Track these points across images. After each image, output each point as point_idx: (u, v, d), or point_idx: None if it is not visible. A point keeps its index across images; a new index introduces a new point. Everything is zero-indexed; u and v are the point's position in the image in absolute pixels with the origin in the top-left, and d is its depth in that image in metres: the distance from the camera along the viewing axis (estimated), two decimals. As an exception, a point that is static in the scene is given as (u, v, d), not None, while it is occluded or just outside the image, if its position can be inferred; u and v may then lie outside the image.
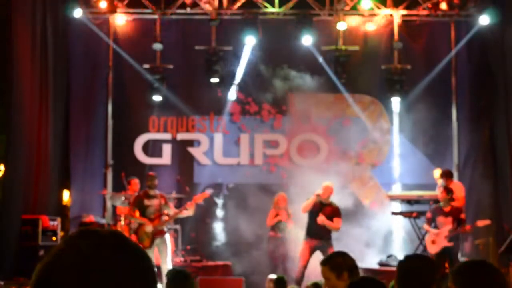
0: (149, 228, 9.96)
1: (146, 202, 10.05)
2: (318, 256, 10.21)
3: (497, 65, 12.26)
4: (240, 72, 12.91)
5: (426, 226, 10.25)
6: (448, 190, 10.21)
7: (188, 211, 10.12)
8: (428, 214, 10.26)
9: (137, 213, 10.10)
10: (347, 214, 12.05)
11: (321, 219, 10.06)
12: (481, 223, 10.28)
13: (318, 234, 10.11)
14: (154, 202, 10.06)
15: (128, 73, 13.10)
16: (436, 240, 10.02)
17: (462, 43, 12.90)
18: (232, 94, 12.98)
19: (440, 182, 11.23)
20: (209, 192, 10.96)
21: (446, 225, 10.00)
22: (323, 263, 4.29)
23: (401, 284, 3.60)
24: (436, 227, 10.09)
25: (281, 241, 10.84)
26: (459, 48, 12.95)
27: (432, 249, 10.05)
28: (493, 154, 12.49)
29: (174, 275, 5.05)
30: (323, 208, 10.20)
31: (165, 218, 10.10)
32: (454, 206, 10.21)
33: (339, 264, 4.18)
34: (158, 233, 9.96)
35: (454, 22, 13.06)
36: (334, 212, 10.26)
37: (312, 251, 10.11)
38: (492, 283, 2.82)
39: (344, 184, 12.64)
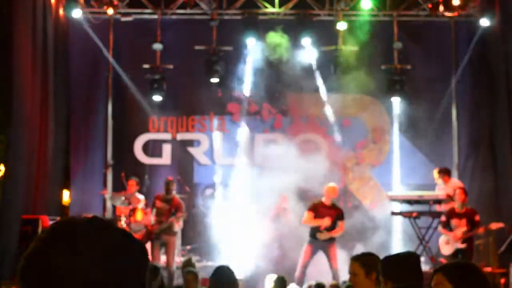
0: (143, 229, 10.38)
1: (158, 204, 10.60)
2: (318, 256, 10.25)
3: (497, 65, 12.24)
4: (240, 72, 12.91)
5: (443, 230, 10.21)
6: (466, 192, 10.21)
7: (175, 226, 10.51)
8: (443, 218, 10.24)
9: (154, 212, 10.57)
10: (346, 213, 12.06)
11: (323, 236, 10.05)
12: (495, 225, 10.23)
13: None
14: (165, 206, 10.43)
15: (128, 73, 13.10)
16: (450, 241, 10.04)
17: (462, 43, 12.90)
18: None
19: (440, 181, 11.24)
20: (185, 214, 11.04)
21: (460, 227, 10.00)
22: (355, 259, 4.22)
23: (388, 281, 3.61)
24: (451, 229, 10.09)
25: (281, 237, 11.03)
26: (459, 48, 12.94)
27: (446, 250, 10.08)
28: (493, 154, 12.48)
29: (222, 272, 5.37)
30: (323, 209, 10.18)
31: (160, 225, 10.37)
32: (469, 208, 10.21)
33: (371, 262, 4.10)
34: (151, 235, 10.18)
35: (454, 22, 13.05)
36: (337, 216, 10.27)
37: (314, 252, 10.12)
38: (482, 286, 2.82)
39: (345, 184, 12.66)
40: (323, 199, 10.33)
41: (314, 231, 10.15)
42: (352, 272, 4.15)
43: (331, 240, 10.19)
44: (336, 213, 10.25)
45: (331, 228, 10.16)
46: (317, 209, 10.24)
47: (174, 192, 10.84)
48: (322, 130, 13.12)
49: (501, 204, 12.08)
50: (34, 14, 11.25)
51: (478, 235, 10.57)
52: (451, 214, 10.16)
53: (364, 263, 4.10)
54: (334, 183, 10.52)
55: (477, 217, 10.15)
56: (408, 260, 3.81)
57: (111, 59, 13.05)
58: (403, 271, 3.67)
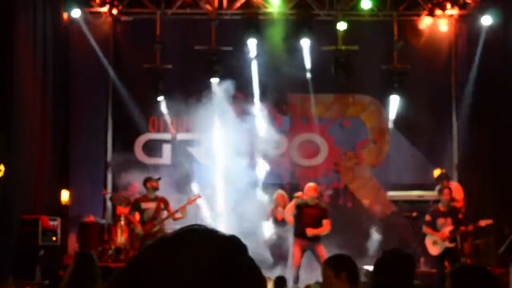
0: (138, 230, 10.14)
1: (143, 205, 10.22)
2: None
3: (498, 65, 12.23)
4: (240, 71, 12.91)
5: (428, 230, 10.17)
6: (451, 191, 10.21)
7: (182, 214, 10.32)
8: (428, 217, 10.22)
9: (137, 216, 10.24)
10: (346, 213, 12.05)
11: (311, 232, 9.98)
12: (484, 222, 10.26)
13: (305, 235, 10.06)
14: (152, 206, 10.19)
15: (128, 73, 13.10)
16: (438, 241, 10.01)
17: (462, 43, 12.90)
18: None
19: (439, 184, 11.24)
20: (201, 194, 10.92)
21: (447, 226, 9.99)
22: (325, 262, 4.34)
23: (377, 278, 3.64)
24: (436, 229, 10.07)
25: (276, 238, 10.92)
26: (459, 48, 12.94)
27: (433, 251, 10.04)
28: (493, 154, 12.46)
29: None
30: (307, 209, 10.12)
31: (156, 221, 10.19)
32: (452, 206, 10.19)
33: (339, 263, 4.19)
34: (150, 235, 10.04)
35: (455, 22, 13.05)
36: (322, 213, 10.20)
37: (303, 251, 10.08)
38: None
39: (345, 184, 12.67)
40: (308, 200, 10.27)
41: (300, 230, 10.11)
42: (323, 275, 4.23)
43: (317, 240, 10.11)
44: (320, 212, 10.20)
45: (316, 227, 10.10)
46: (301, 210, 10.20)
47: None
48: (322, 130, 13.13)
49: (501, 204, 12.07)
50: (35, 13, 11.26)
51: (468, 232, 10.57)
52: (436, 213, 10.14)
53: (331, 264, 4.21)
54: (312, 183, 10.48)
55: (461, 215, 10.17)
56: (393, 258, 3.85)
57: (111, 59, 13.05)
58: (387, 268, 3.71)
